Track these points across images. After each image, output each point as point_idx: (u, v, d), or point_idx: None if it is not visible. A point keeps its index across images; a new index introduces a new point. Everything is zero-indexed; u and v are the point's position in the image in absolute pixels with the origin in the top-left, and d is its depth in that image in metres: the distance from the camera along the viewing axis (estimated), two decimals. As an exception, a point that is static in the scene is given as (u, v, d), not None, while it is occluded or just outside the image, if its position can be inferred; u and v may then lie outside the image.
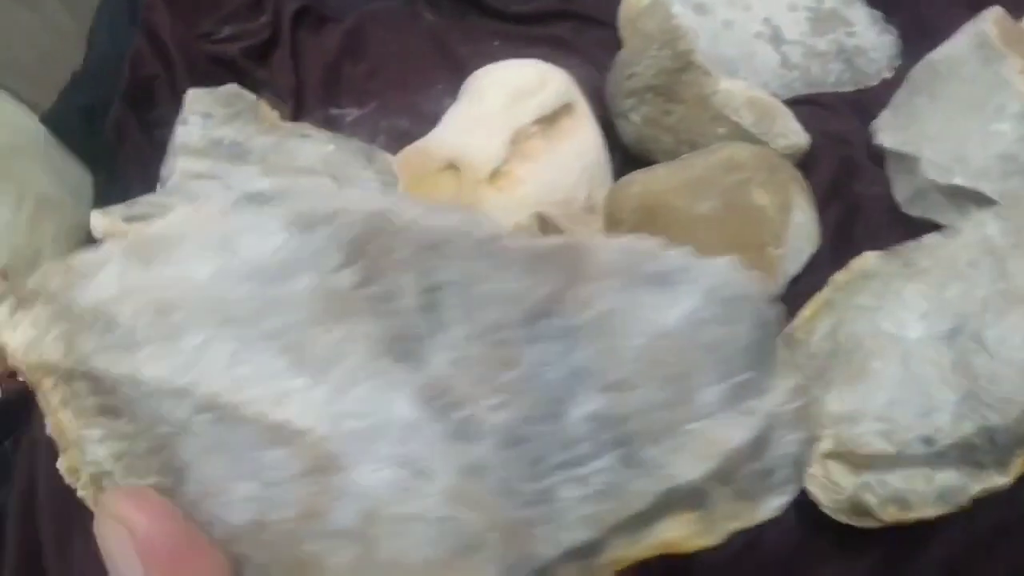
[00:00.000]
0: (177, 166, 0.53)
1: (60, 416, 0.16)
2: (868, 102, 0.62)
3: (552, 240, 0.18)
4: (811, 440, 0.19)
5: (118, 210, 0.46)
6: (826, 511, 0.41)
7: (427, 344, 0.16)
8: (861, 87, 0.64)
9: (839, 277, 0.46)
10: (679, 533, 0.17)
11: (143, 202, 0.47)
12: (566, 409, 0.17)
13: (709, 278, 0.18)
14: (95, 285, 0.16)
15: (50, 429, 0.16)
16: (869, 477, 0.41)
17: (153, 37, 0.63)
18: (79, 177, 0.61)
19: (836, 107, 0.61)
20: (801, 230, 0.49)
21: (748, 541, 0.43)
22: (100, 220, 0.44)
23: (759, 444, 0.18)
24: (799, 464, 0.19)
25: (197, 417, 0.16)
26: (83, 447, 0.16)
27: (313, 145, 0.57)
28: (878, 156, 0.58)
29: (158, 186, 0.59)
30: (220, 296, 0.16)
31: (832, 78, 0.64)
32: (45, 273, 0.17)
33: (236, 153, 0.56)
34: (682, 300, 0.18)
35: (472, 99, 0.51)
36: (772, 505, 0.18)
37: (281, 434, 0.16)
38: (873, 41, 0.65)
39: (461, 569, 0.16)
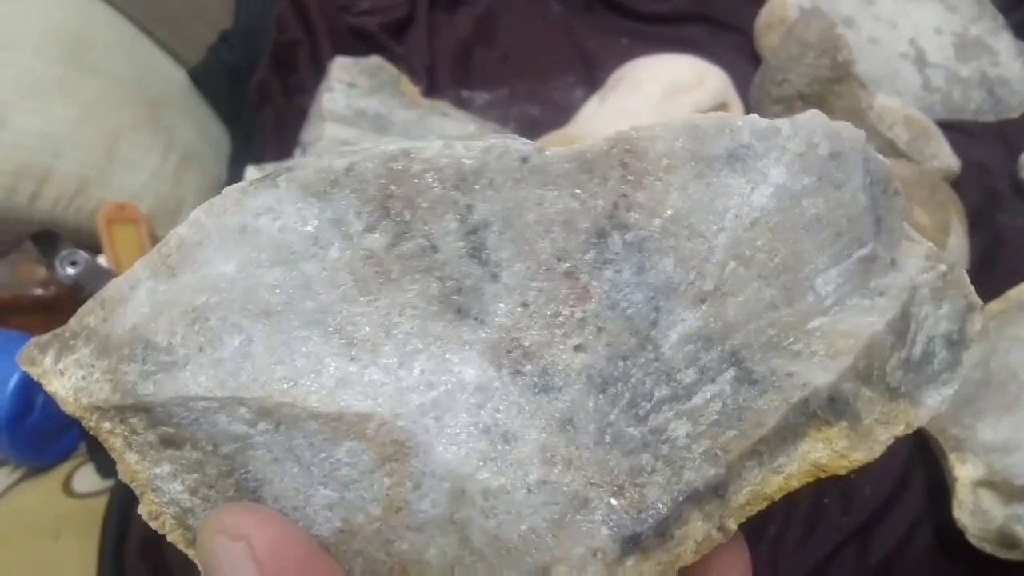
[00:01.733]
0: (326, 132, 0.54)
1: (127, 459, 0.15)
2: (1010, 133, 0.61)
3: (598, 141, 0.15)
4: (969, 308, 0.15)
5: (272, 167, 0.47)
6: (971, 540, 0.40)
7: (485, 293, 0.15)
8: (1002, 118, 0.63)
9: (994, 306, 0.46)
10: (827, 452, 0.15)
11: (298, 161, 0.48)
12: (658, 335, 0.15)
13: (796, 141, 0.15)
14: (130, 310, 0.15)
15: (122, 476, 0.15)
16: (1020, 509, 0.40)
17: (297, 2, 0.64)
18: (218, 134, 0.62)
19: (979, 135, 0.60)
20: (954, 254, 0.48)
21: (885, 559, 0.43)
22: (255, 175, 0.45)
23: (901, 328, 0.15)
24: (958, 343, 0.15)
25: (256, 427, 0.14)
26: (158, 487, 0.15)
27: (453, 124, 0.57)
28: (1021, 189, 0.57)
29: (296, 151, 0.59)
30: (251, 288, 0.15)
31: (973, 105, 0.63)
32: (83, 312, 0.15)
33: (380, 124, 0.56)
34: (767, 176, 0.15)
35: (626, 91, 0.51)
36: (934, 400, 0.15)
37: (345, 425, 0.14)
38: (1017, 73, 0.64)
39: (567, 537, 0.14)
